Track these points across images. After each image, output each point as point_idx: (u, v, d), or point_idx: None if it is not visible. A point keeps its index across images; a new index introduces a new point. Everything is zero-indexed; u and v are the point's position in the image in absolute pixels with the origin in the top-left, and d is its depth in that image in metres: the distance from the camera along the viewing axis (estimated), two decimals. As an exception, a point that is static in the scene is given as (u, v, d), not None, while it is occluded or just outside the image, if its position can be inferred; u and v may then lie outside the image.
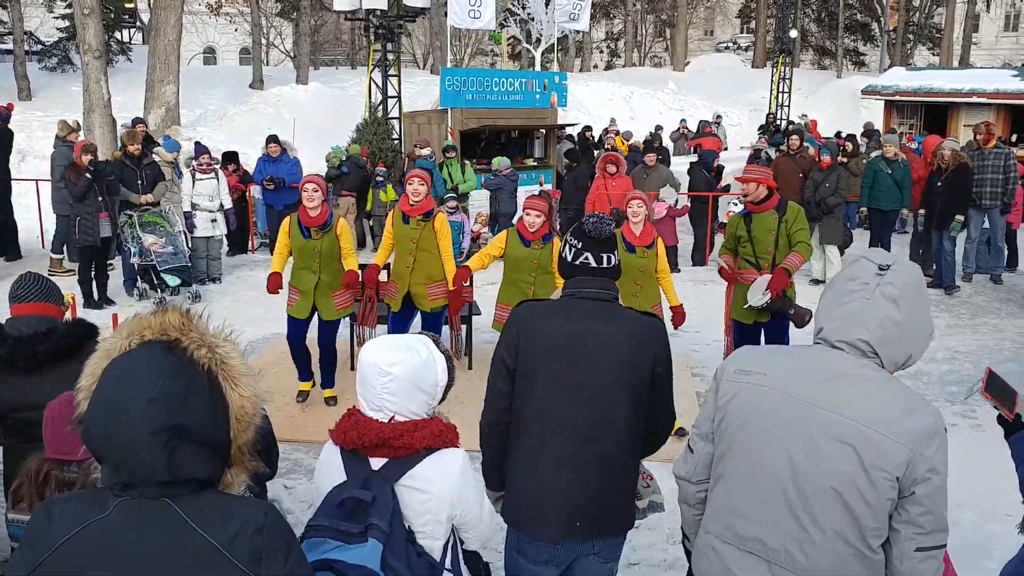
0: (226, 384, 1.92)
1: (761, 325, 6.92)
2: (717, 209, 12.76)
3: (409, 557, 2.51)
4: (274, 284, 7.20)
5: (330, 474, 2.63)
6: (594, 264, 3.27)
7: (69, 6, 26.21)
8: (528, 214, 6.84)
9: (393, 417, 2.61)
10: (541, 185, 16.46)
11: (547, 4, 21.52)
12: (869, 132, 20.38)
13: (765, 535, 2.42)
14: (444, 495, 2.61)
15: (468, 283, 7.77)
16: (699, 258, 13.22)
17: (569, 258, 3.32)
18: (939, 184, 11.37)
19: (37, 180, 14.92)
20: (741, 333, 7.02)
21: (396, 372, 2.60)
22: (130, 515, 1.82)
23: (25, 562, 1.82)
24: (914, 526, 2.34)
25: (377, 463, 2.61)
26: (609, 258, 3.29)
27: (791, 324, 6.77)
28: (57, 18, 27.76)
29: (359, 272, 7.18)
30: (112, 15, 25.87)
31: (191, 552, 1.80)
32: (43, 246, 14.31)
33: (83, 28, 16.70)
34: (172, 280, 10.91)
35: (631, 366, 3.13)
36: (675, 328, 6.97)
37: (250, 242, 14.01)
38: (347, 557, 2.41)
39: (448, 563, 2.69)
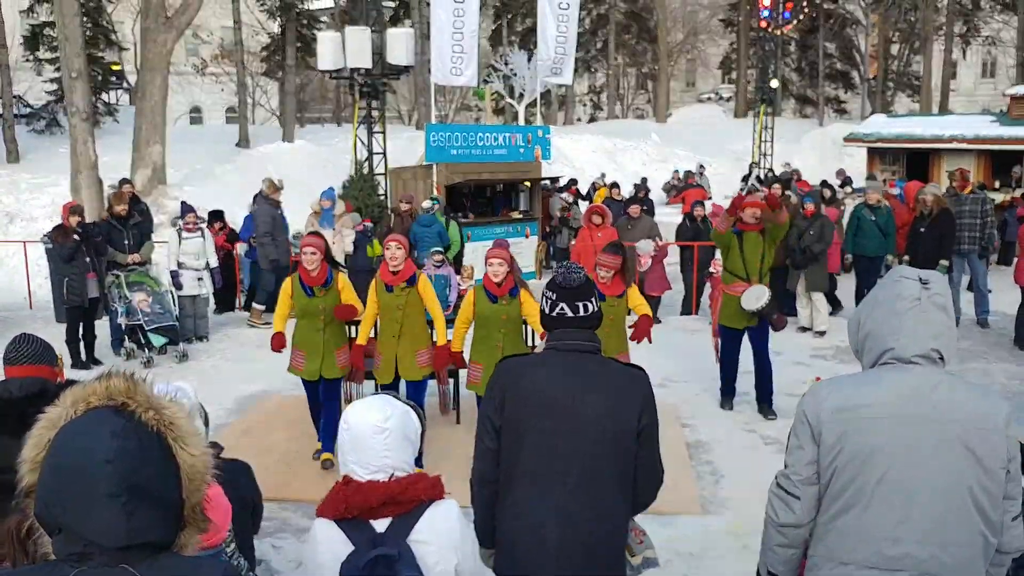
0: (175, 445, 1.90)
1: (745, 329, 8.31)
2: (709, 258, 12.78)
3: None
4: (278, 343, 7.19)
5: (331, 548, 2.60)
6: (570, 314, 3.29)
7: (57, 69, 26.42)
8: (491, 264, 6.73)
9: (392, 475, 2.64)
10: (527, 237, 16.57)
11: (529, 60, 21.85)
12: (845, 180, 20.59)
13: (913, 549, 2.60)
14: (449, 544, 2.65)
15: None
16: (687, 307, 13.25)
17: (547, 310, 3.36)
18: (923, 230, 11.48)
19: (25, 242, 14.93)
20: (728, 336, 8.46)
21: (390, 426, 2.64)
22: None
23: None
24: (1010, 499, 2.65)
25: (380, 526, 2.61)
26: (585, 306, 3.30)
27: (771, 328, 8.32)
28: (45, 81, 27.95)
29: (356, 308, 7.16)
30: (99, 77, 26.06)
31: None
32: (31, 306, 14.28)
33: (71, 91, 16.86)
34: (158, 340, 10.90)
35: (617, 417, 3.15)
36: (636, 341, 7.46)
37: (237, 300, 13.99)
38: None
39: None
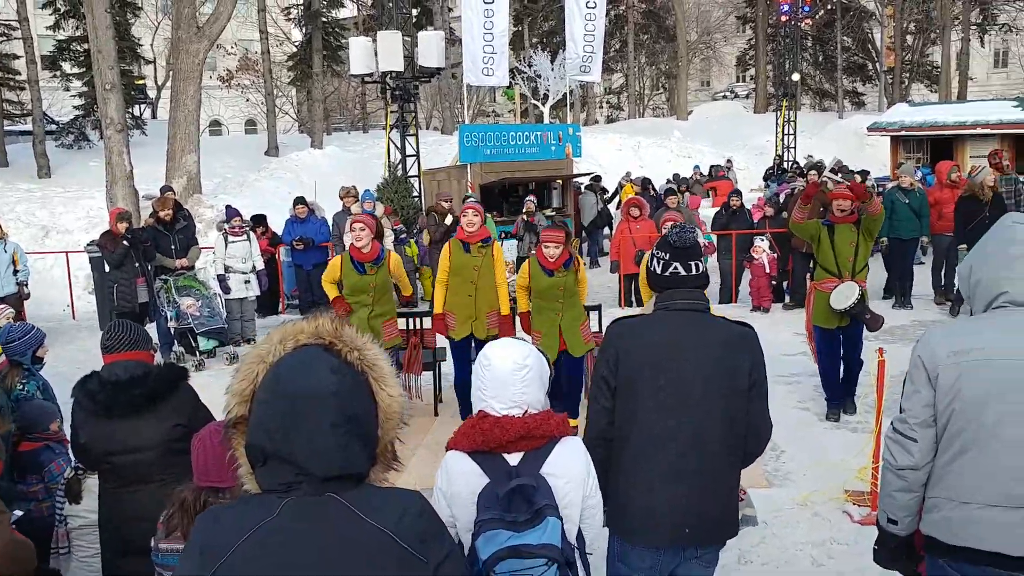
0: (376, 384, 2.00)
1: (840, 329, 7.72)
2: (747, 245, 12.86)
3: (564, 540, 2.62)
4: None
5: (467, 480, 2.71)
6: (683, 272, 3.37)
7: (85, 84, 26.77)
8: (547, 247, 6.88)
9: (527, 411, 2.75)
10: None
11: (552, 60, 21.97)
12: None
13: None
14: (578, 478, 2.77)
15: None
16: (726, 296, 13.32)
17: (659, 270, 3.42)
18: (987, 216, 11.40)
19: (67, 252, 15.14)
20: (823, 337, 7.83)
21: (530, 363, 2.78)
22: (300, 513, 1.85)
23: (199, 567, 1.85)
24: None
25: (513, 459, 2.72)
26: (697, 265, 3.39)
27: (864, 328, 7.71)
28: (73, 96, 28.32)
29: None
30: (127, 92, 26.46)
31: (366, 541, 1.85)
32: (73, 317, 14.47)
33: (105, 103, 17.10)
34: (208, 343, 11.04)
35: (729, 374, 3.24)
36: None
37: (280, 303, 14.17)
38: (530, 540, 2.51)
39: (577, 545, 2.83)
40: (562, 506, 2.70)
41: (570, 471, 2.75)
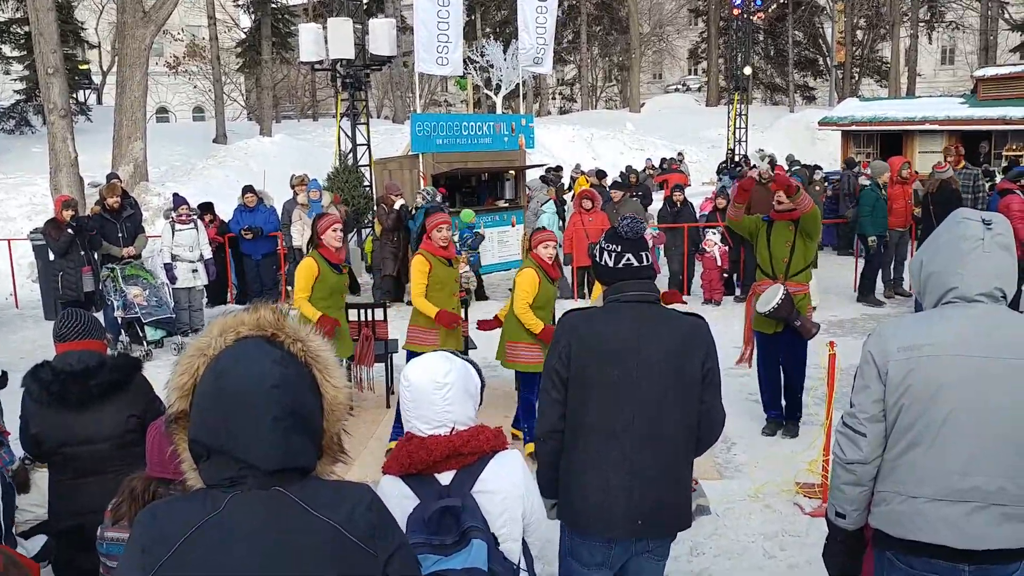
0: (320, 376, 1.96)
1: (780, 335, 7.17)
2: (697, 239, 12.94)
3: (499, 561, 2.56)
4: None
5: (400, 504, 2.62)
6: (636, 264, 3.36)
7: (26, 68, 26.11)
8: (547, 246, 6.81)
9: (454, 428, 2.66)
10: (513, 226, 16.63)
11: (505, 50, 21.83)
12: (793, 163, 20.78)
13: (981, 482, 2.66)
14: (515, 492, 2.68)
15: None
16: (677, 289, 13.36)
17: (611, 263, 3.39)
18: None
19: (9, 240, 14.77)
20: (762, 342, 7.38)
21: (451, 380, 2.66)
22: (247, 508, 1.81)
23: (141, 565, 1.78)
24: None
25: (445, 479, 2.65)
26: (647, 256, 3.39)
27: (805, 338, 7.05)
28: (14, 80, 27.61)
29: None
30: (71, 76, 25.86)
31: (314, 535, 1.82)
32: (16, 306, 14.14)
33: (48, 88, 16.67)
34: (155, 333, 10.85)
35: (681, 365, 3.23)
36: None
37: (228, 292, 13.96)
38: (454, 564, 2.43)
39: (524, 564, 2.76)
40: (500, 523, 2.63)
41: (506, 486, 2.66)
